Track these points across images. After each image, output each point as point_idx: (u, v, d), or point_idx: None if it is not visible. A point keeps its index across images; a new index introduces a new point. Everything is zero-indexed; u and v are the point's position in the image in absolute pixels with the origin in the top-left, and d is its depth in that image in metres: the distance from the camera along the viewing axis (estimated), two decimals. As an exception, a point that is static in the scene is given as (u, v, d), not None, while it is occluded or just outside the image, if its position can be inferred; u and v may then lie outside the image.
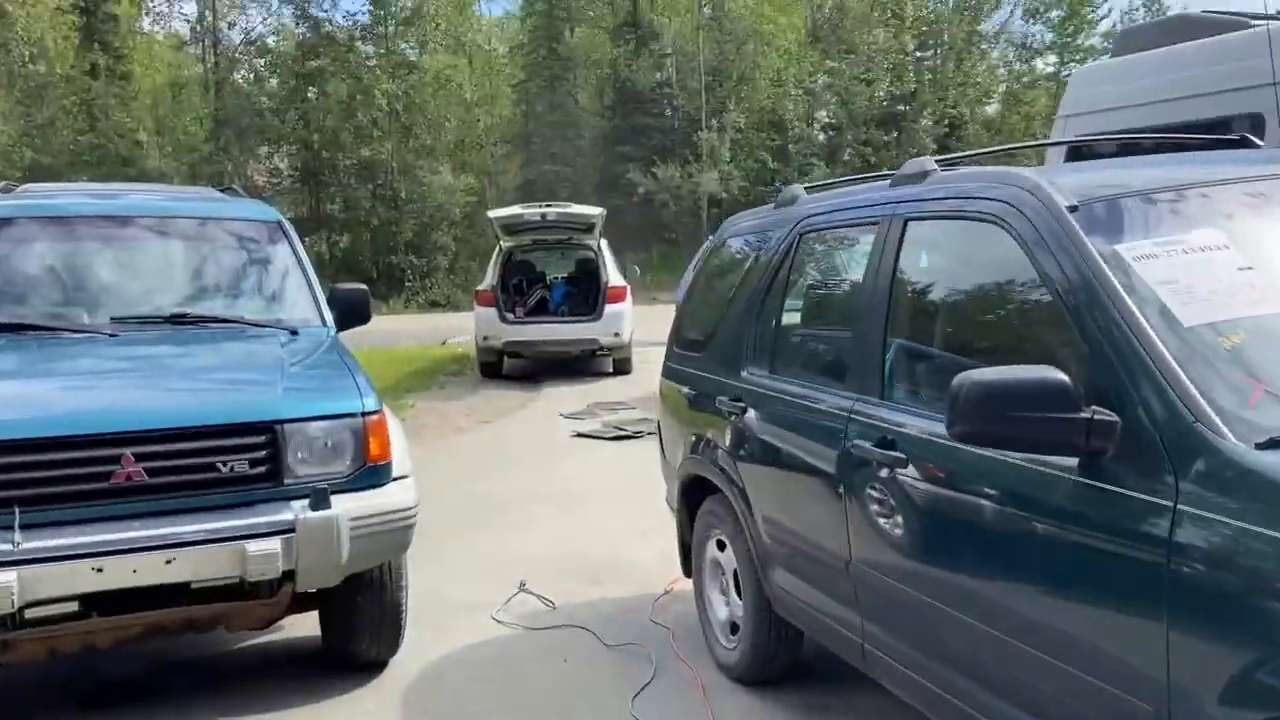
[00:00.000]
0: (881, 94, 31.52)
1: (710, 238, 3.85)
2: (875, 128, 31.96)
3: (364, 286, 4.39)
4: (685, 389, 3.70)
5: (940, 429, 1.98)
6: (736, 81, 32.05)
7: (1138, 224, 2.00)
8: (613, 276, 10.75)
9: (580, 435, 7.99)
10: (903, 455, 2.27)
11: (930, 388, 2.33)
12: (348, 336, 4.17)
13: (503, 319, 10.72)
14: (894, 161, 31.39)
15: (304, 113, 28.13)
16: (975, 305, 2.33)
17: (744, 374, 3.21)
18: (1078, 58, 33.22)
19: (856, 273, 2.78)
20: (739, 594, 3.25)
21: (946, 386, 1.84)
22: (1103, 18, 32.86)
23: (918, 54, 33.83)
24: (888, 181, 2.71)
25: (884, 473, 2.32)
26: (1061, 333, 1.92)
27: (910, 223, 2.49)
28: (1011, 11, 33.83)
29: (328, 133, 27.87)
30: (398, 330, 18.76)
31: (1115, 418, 1.72)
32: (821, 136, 33.41)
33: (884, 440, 2.34)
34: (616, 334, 10.41)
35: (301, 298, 4.12)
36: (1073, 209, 1.99)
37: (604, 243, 11.32)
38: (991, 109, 34.14)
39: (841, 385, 2.62)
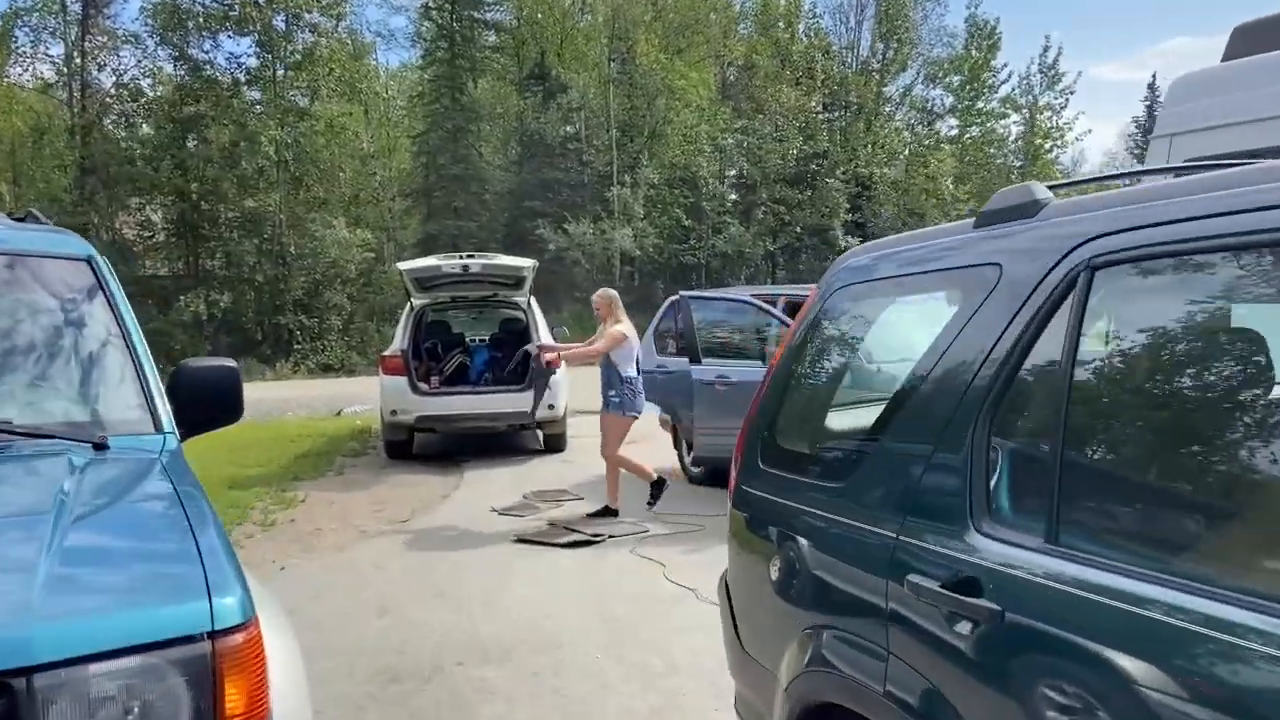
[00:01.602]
0: (795, 152, 31.10)
1: (818, 285, 2.19)
2: (788, 186, 31.52)
3: (231, 364, 2.67)
4: (799, 544, 2.15)
5: None
6: (648, 137, 31.63)
7: None
8: (544, 339, 9.18)
9: (523, 540, 6.32)
10: None
11: None
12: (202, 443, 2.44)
13: (415, 389, 9.24)
14: (806, 220, 31.23)
15: (180, 160, 26.13)
16: None
17: (977, 535, 1.67)
18: (978, 120, 33.85)
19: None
20: None
21: None
22: (1003, 82, 33.51)
23: (826, 114, 33.81)
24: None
25: None
26: None
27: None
28: (916, 75, 34.22)
29: (208, 182, 26.09)
30: (285, 398, 17.56)
31: None
32: (733, 195, 32.85)
33: None
34: (551, 406, 8.86)
35: (121, 382, 2.48)
36: None
37: (533, 300, 10.01)
38: (896, 170, 34.29)
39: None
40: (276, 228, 26.70)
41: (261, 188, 26.71)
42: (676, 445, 8.19)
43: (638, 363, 6.28)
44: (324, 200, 27.87)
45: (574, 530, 6.51)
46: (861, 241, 27.88)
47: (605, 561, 5.82)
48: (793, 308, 6.82)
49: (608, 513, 6.56)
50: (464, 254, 9.52)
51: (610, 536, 6.31)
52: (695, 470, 7.83)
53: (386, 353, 9.69)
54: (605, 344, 6.26)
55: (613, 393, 6.26)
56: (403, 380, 9.27)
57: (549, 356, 6.47)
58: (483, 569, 5.76)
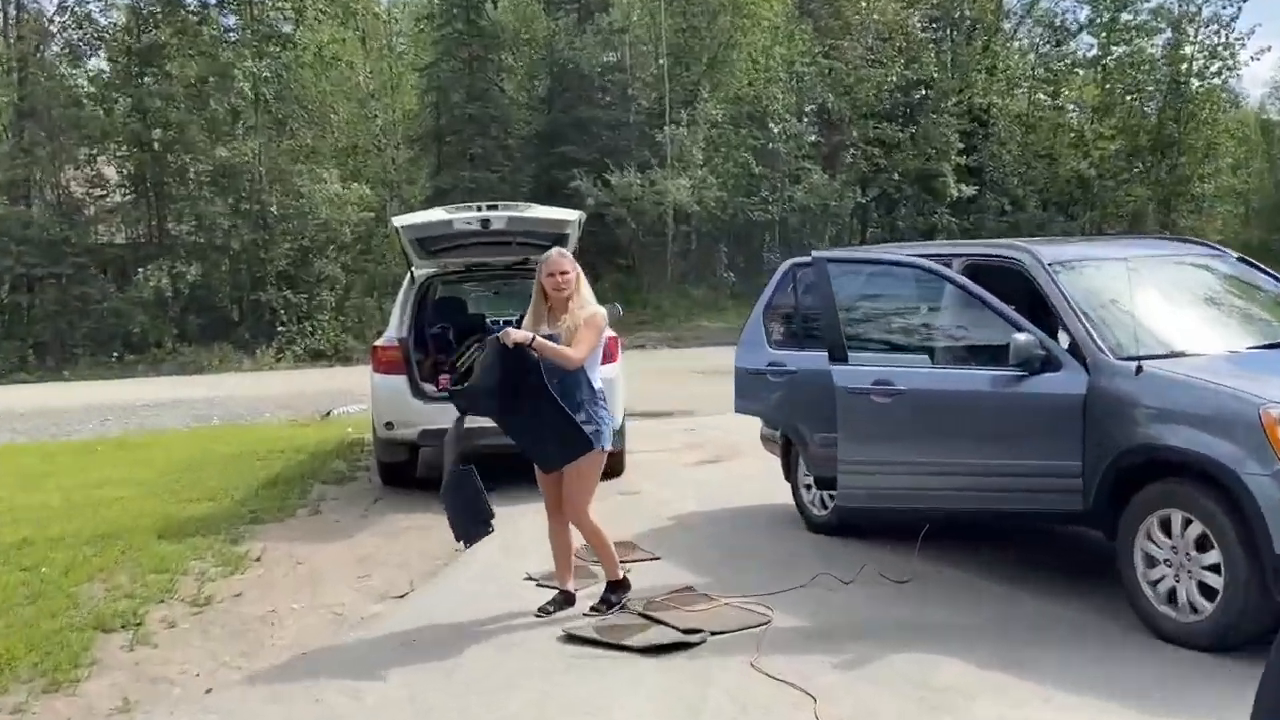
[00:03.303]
0: (893, 80, 29.55)
1: None
2: (883, 123, 30.05)
3: None
4: None
5: None
6: (708, 65, 30.37)
7: None
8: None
9: (576, 638, 5.04)
10: None
11: None
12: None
13: (417, 394, 8.43)
14: (907, 164, 29.57)
15: (138, 101, 25.31)
16: None
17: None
18: (1123, 37, 31.86)
19: None
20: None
21: None
22: (1152, -12, 31.40)
23: (932, 33, 32.18)
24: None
25: None
26: None
27: None
28: (1039, -16, 32.42)
29: (172, 128, 25.19)
30: (262, 396, 17.37)
31: None
32: (814, 135, 31.65)
33: None
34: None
35: None
36: None
37: (578, 267, 8.75)
38: (1019, 101, 32.57)
39: None
40: (255, 183, 25.90)
41: (237, 134, 25.98)
42: (791, 475, 7.18)
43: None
44: (313, 149, 27.22)
45: (653, 618, 5.14)
46: (978, 190, 26.64)
47: (711, 683, 4.43)
48: (975, 272, 5.81)
49: (620, 588, 5.40)
50: (483, 205, 8.61)
51: (713, 634, 4.95)
52: (820, 515, 6.88)
53: (380, 342, 8.85)
54: (590, 340, 5.18)
55: (583, 416, 5.10)
56: (401, 380, 8.47)
57: (516, 336, 5.10)
58: (516, 694, 4.42)
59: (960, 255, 6.08)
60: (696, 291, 29.49)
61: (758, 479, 8.05)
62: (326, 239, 25.91)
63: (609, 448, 5.37)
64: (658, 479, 8.73)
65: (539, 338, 5.08)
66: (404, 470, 8.91)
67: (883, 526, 6.37)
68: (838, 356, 5.73)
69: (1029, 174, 31.81)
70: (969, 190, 29.93)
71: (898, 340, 6.09)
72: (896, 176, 30.71)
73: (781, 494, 7.40)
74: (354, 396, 14.72)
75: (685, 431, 11.28)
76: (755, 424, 7.68)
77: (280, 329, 24.88)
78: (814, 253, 6.24)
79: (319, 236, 25.87)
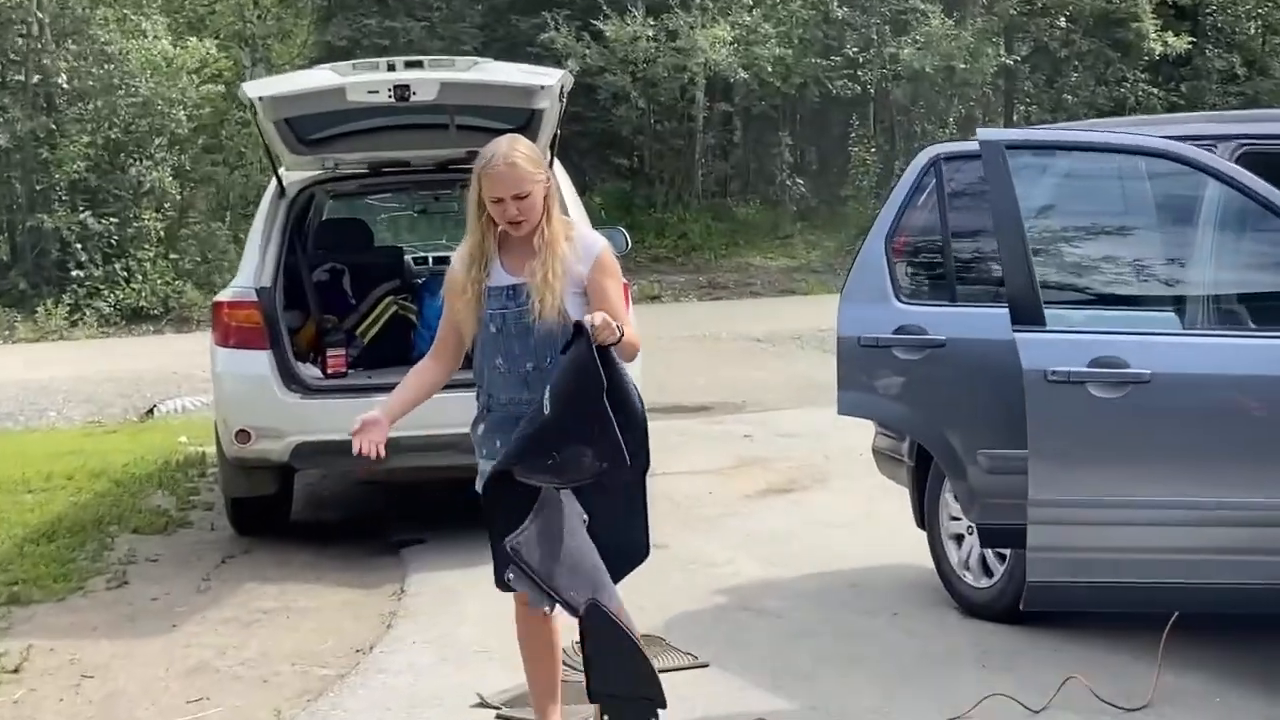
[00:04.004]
0: None
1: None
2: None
3: None
4: None
5: None
6: None
7: None
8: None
9: None
10: None
11: None
12: None
13: (290, 382, 8.67)
14: (1080, 2, 29.45)
15: None
16: None
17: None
18: None
19: None
20: None
21: None
22: None
23: None
24: None
25: None
26: None
27: None
28: None
29: None
30: (43, 382, 17.50)
31: None
32: None
33: None
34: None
35: None
36: None
37: (559, 169, 9.40)
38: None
39: None
40: (32, 40, 26.28)
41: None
42: (931, 519, 7.15)
43: None
44: (126, -15, 28.08)
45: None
46: (1192, 44, 29.78)
47: None
48: (1259, 162, 5.81)
49: None
50: (398, 60, 8.90)
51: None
52: (982, 589, 6.83)
53: (226, 296, 9.11)
54: (623, 299, 5.30)
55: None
56: (261, 360, 8.65)
57: (597, 323, 4.92)
58: None
59: (1235, 137, 6.09)
60: (743, 210, 29.94)
61: (863, 524, 8.25)
62: (149, 129, 26.20)
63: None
64: (694, 523, 8.76)
65: (620, 325, 4.89)
66: (268, 508, 9.10)
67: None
68: (1028, 317, 5.66)
69: (1274, 17, 32.17)
70: (1179, 44, 30.32)
71: (1129, 289, 6.17)
72: (1063, 23, 31.32)
73: (910, 550, 7.46)
74: (194, 384, 14.99)
75: (736, 440, 11.40)
76: (856, 428, 7.86)
77: (77, 274, 25.25)
78: (980, 133, 6.20)
79: (137, 125, 26.18)
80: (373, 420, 5.00)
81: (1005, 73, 31.78)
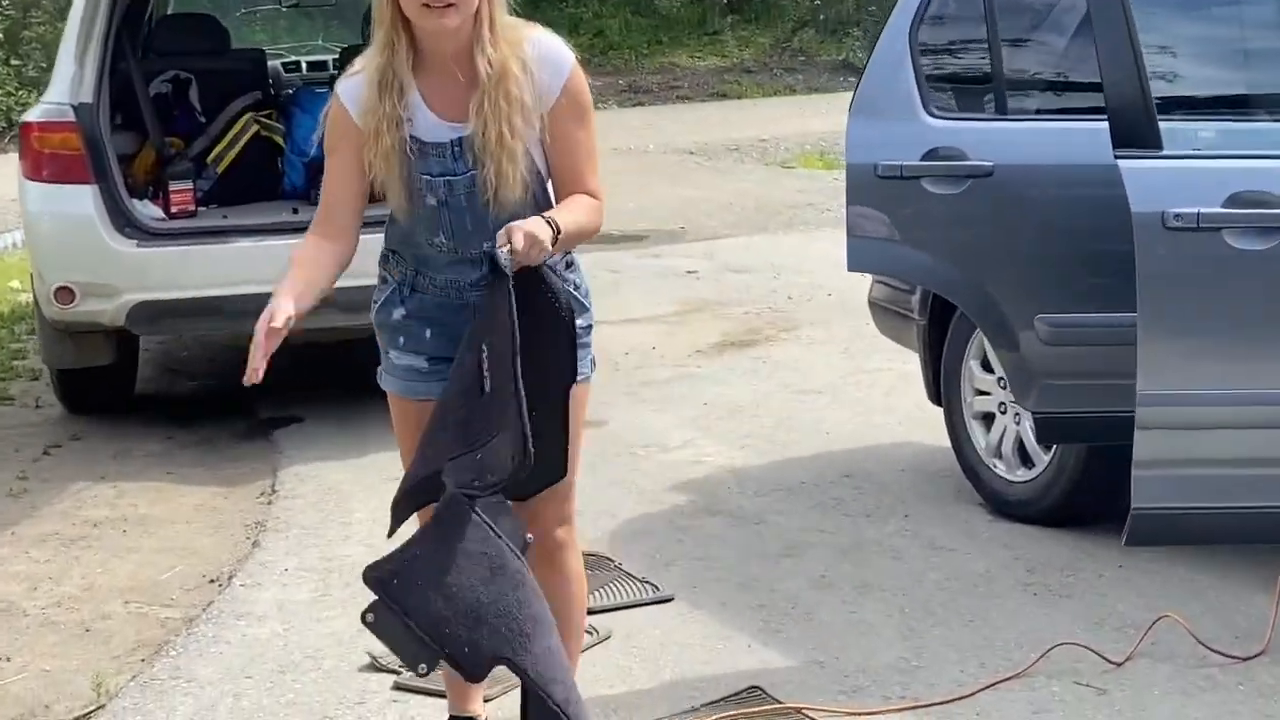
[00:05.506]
0: None
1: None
2: None
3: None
4: None
5: None
6: None
7: None
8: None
9: None
10: None
11: None
12: None
13: (122, 224, 8.15)
14: None
15: None
16: None
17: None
18: None
19: None
20: None
21: None
22: None
23: None
24: None
25: None
26: None
27: None
28: None
29: None
30: None
31: None
32: None
33: None
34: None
35: None
36: None
37: None
38: None
39: None
40: None
41: None
42: (944, 396, 6.68)
43: None
44: None
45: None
46: None
47: None
48: None
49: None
50: None
51: None
52: (1017, 482, 6.29)
53: (35, 115, 8.59)
54: (595, 148, 4.45)
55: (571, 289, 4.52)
56: (84, 194, 8.10)
57: (517, 246, 4.41)
58: None
59: None
60: (666, 2, 29.71)
61: (847, 387, 7.87)
62: None
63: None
64: (639, 390, 8.27)
65: (555, 218, 4.01)
66: (105, 385, 8.64)
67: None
68: (1137, 136, 4.82)
69: None
70: None
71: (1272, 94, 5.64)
72: None
73: (912, 421, 7.19)
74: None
75: (679, 278, 11.03)
76: (821, 261, 8.08)
77: None
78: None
79: None
80: (276, 332, 3.84)
81: None
